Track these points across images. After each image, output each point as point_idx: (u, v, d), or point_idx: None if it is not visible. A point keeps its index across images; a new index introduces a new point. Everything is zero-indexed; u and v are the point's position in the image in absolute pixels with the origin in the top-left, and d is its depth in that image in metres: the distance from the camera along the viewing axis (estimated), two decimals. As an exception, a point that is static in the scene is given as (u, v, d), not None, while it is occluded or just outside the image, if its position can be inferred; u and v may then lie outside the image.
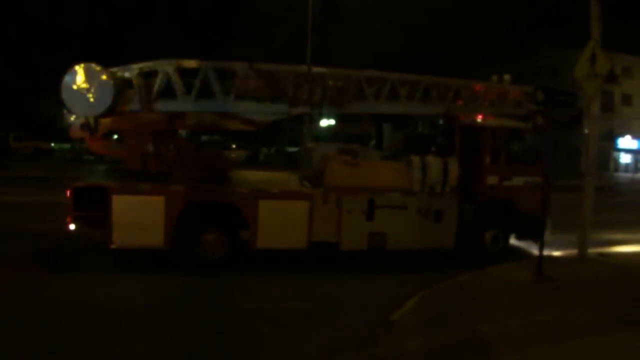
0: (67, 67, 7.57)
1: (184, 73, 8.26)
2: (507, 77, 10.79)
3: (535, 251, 9.91)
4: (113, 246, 7.59)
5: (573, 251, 9.24)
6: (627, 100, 48.61)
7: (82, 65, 7.59)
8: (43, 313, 5.82)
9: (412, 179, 8.49)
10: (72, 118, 8.09)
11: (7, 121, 30.98)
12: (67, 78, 7.56)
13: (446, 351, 5.03)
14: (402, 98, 9.05)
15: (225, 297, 6.81)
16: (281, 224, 7.93)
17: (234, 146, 34.83)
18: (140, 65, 8.07)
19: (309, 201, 8.06)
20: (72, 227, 7.55)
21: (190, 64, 8.26)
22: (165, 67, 8.05)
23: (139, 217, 7.55)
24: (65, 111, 8.11)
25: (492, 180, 9.16)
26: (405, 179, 8.52)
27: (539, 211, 9.48)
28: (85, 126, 7.94)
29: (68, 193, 7.49)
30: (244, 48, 32.60)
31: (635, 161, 50.23)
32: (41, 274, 7.30)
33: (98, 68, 7.61)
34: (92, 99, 7.54)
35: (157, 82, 8.13)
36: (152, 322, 5.76)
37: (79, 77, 7.54)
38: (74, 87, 7.52)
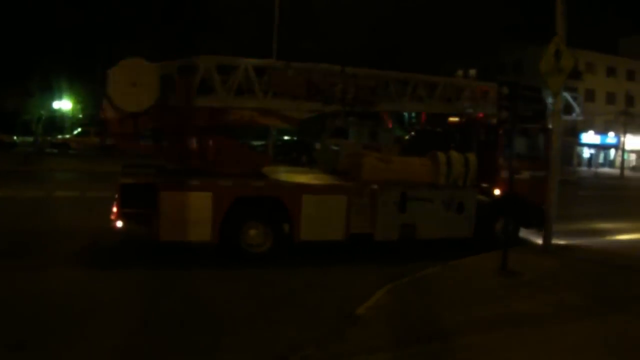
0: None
1: (220, 70, 8.34)
2: (472, 72, 11.53)
3: (536, 239, 10.85)
4: (160, 241, 7.66)
5: (538, 242, 9.89)
6: (590, 96, 50.07)
7: (129, 59, 7.55)
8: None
9: (438, 173, 9.08)
10: (111, 113, 7.98)
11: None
12: (113, 72, 7.50)
13: (410, 345, 4.96)
14: (425, 98, 9.59)
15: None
16: (322, 217, 8.29)
17: None
18: (180, 61, 8.09)
19: (347, 195, 8.46)
20: (119, 224, 7.55)
21: (230, 61, 8.38)
22: (205, 64, 8.11)
23: (186, 212, 7.66)
24: (104, 106, 7.99)
25: (504, 174, 9.95)
26: (432, 173, 9.10)
27: (544, 202, 10.40)
28: (125, 122, 7.90)
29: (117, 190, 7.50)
30: (211, 41, 32.18)
31: (591, 155, 52.28)
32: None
33: (146, 63, 7.60)
34: (139, 94, 7.52)
35: (197, 79, 8.18)
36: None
37: (126, 71, 7.51)
38: (121, 81, 7.48)
